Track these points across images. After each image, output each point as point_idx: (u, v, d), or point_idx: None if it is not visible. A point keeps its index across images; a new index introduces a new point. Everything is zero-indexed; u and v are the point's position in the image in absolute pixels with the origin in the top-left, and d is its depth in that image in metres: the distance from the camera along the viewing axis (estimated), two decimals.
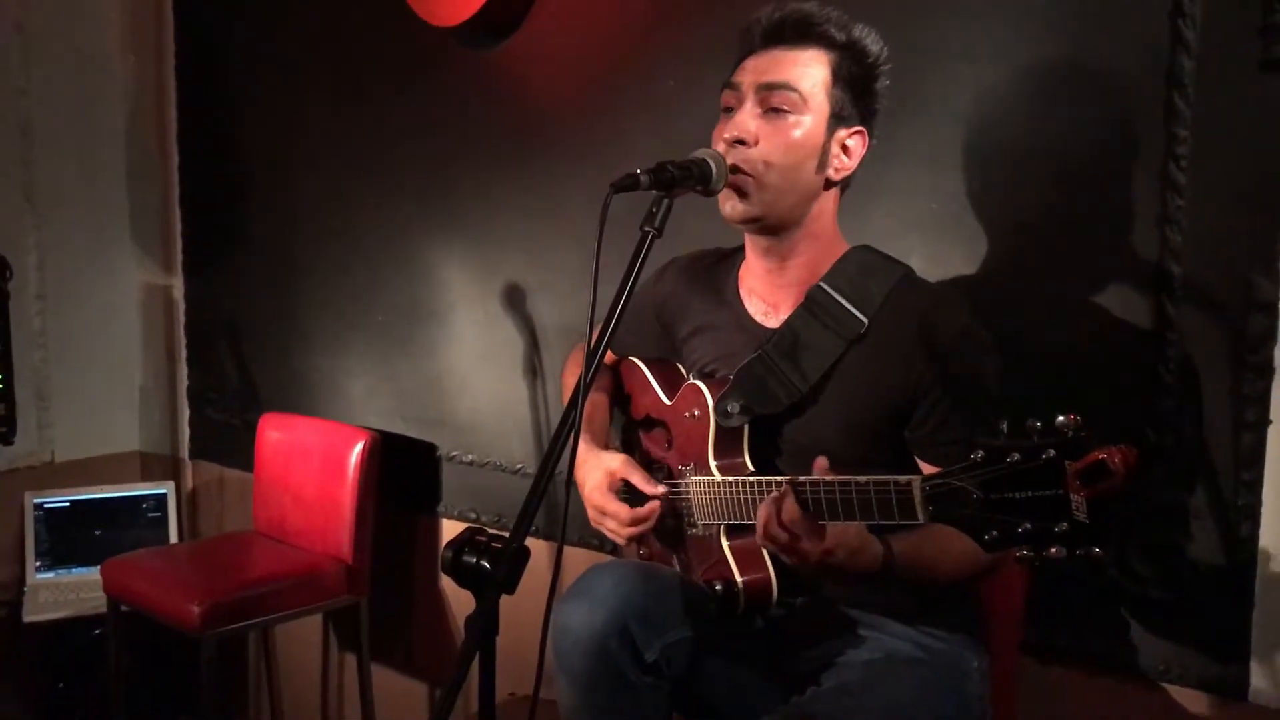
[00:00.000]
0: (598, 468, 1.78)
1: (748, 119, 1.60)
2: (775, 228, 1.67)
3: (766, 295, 1.75)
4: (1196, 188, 1.72)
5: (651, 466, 1.83)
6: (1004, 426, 1.19)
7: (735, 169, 1.59)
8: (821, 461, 1.44)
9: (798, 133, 1.60)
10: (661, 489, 1.73)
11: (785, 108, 1.60)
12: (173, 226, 3.49)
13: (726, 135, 1.61)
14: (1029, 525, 1.17)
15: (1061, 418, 1.15)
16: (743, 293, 1.79)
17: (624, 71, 2.38)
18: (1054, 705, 1.91)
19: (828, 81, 1.61)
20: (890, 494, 1.34)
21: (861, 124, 1.65)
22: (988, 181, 1.92)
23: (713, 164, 1.51)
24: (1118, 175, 1.79)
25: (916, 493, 1.31)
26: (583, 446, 1.83)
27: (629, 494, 1.76)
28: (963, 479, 1.23)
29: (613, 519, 1.74)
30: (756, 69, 1.62)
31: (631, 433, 1.94)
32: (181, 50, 3.40)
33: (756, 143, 1.60)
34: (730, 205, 1.63)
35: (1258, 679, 1.74)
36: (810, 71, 1.60)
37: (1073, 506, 1.13)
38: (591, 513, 1.78)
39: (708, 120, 1.70)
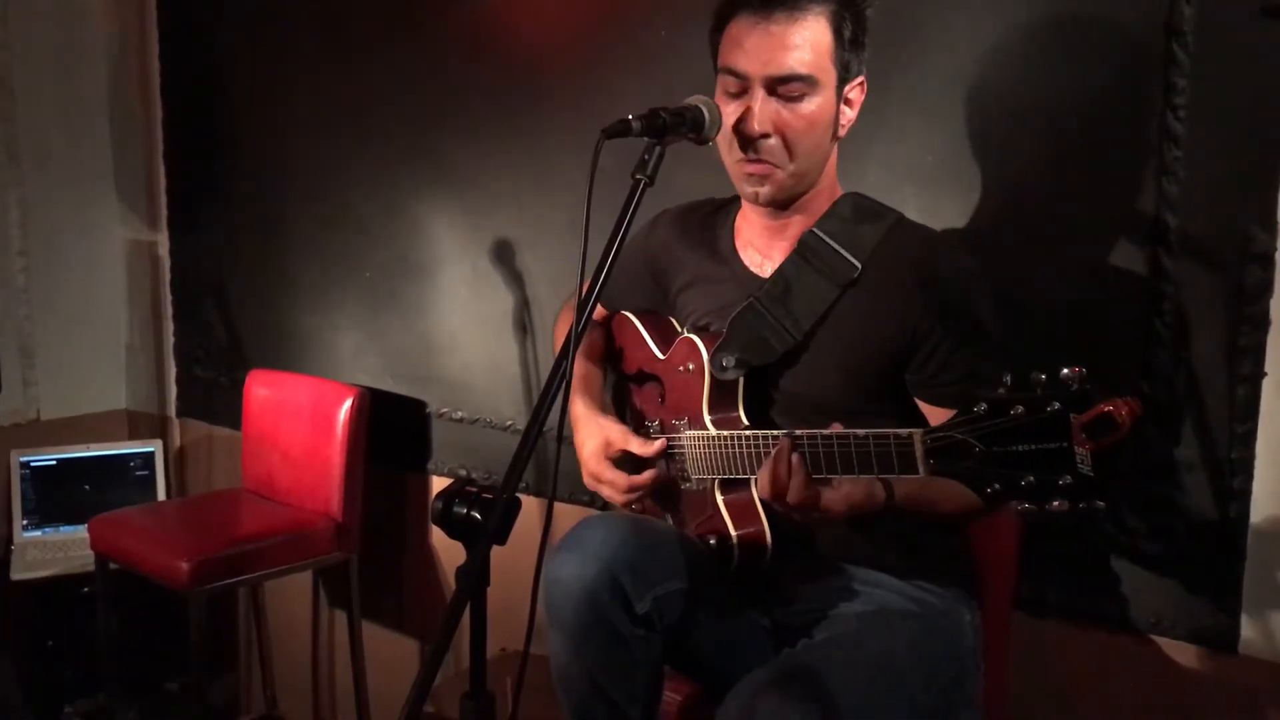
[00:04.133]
0: (597, 434, 1.76)
1: (764, 113, 1.57)
2: (791, 199, 1.66)
3: (764, 247, 1.73)
4: (1194, 138, 1.70)
5: (644, 422, 1.82)
6: (1007, 379, 1.17)
7: (759, 160, 1.59)
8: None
9: (815, 113, 1.58)
10: (658, 445, 1.72)
11: (799, 94, 1.57)
12: (157, 182, 3.45)
13: (746, 131, 1.57)
14: (1032, 478, 1.14)
15: (1066, 370, 1.13)
16: (739, 245, 1.77)
17: (615, 21, 2.34)
18: (1046, 658, 1.92)
19: (832, 47, 1.57)
20: (890, 447, 1.32)
21: (861, 71, 1.63)
22: (983, 132, 1.90)
23: (705, 111, 1.48)
24: (1115, 125, 1.77)
25: (918, 446, 1.29)
26: (580, 407, 1.81)
27: (628, 462, 1.75)
28: (965, 432, 1.21)
29: (609, 486, 1.74)
30: (760, 55, 1.55)
31: (623, 388, 1.92)
32: (164, 2, 3.34)
33: (777, 133, 1.58)
34: (755, 192, 1.63)
35: (1248, 631, 1.75)
36: (816, 44, 1.55)
37: (1078, 459, 1.11)
38: (588, 478, 1.78)
39: (701, 71, 1.67)
